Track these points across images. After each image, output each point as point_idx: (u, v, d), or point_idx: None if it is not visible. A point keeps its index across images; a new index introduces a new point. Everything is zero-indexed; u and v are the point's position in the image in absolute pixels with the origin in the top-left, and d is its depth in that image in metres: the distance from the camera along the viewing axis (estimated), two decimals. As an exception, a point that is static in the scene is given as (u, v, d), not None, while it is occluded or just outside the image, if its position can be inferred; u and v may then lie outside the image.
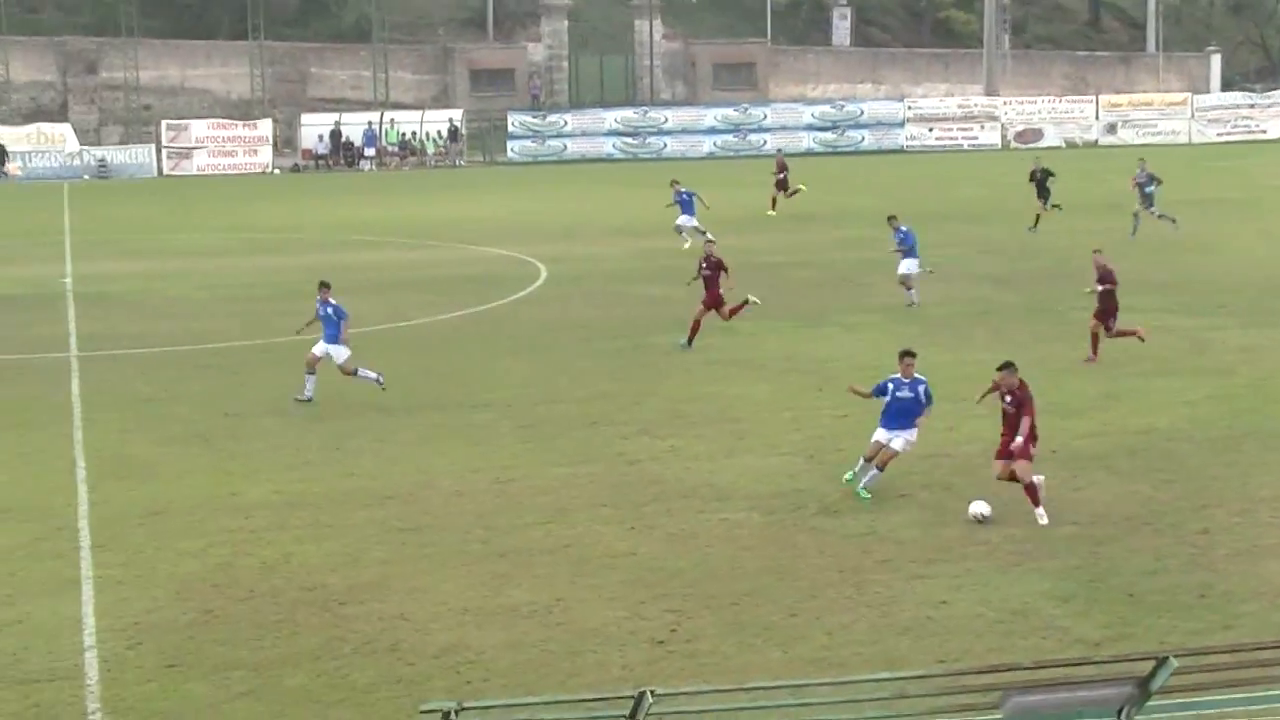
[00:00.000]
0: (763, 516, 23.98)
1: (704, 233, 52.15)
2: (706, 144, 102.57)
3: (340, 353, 32.74)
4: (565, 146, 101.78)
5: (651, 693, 11.77)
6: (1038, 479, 23.96)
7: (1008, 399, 24.64)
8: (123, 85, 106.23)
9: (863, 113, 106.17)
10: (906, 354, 25.66)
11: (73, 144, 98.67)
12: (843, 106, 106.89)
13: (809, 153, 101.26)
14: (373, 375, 32.84)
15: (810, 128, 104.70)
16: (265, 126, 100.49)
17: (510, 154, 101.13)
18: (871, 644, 19.20)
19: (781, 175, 67.22)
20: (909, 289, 43.03)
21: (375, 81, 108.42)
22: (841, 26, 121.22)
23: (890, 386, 25.23)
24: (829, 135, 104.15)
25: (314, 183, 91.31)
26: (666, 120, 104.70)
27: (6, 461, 28.61)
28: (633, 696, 11.82)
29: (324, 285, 33.49)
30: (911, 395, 25.11)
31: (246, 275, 51.80)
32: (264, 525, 24.40)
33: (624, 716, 11.80)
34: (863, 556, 22.35)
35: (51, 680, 18.53)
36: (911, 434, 25.32)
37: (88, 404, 32.98)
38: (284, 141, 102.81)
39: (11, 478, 27.47)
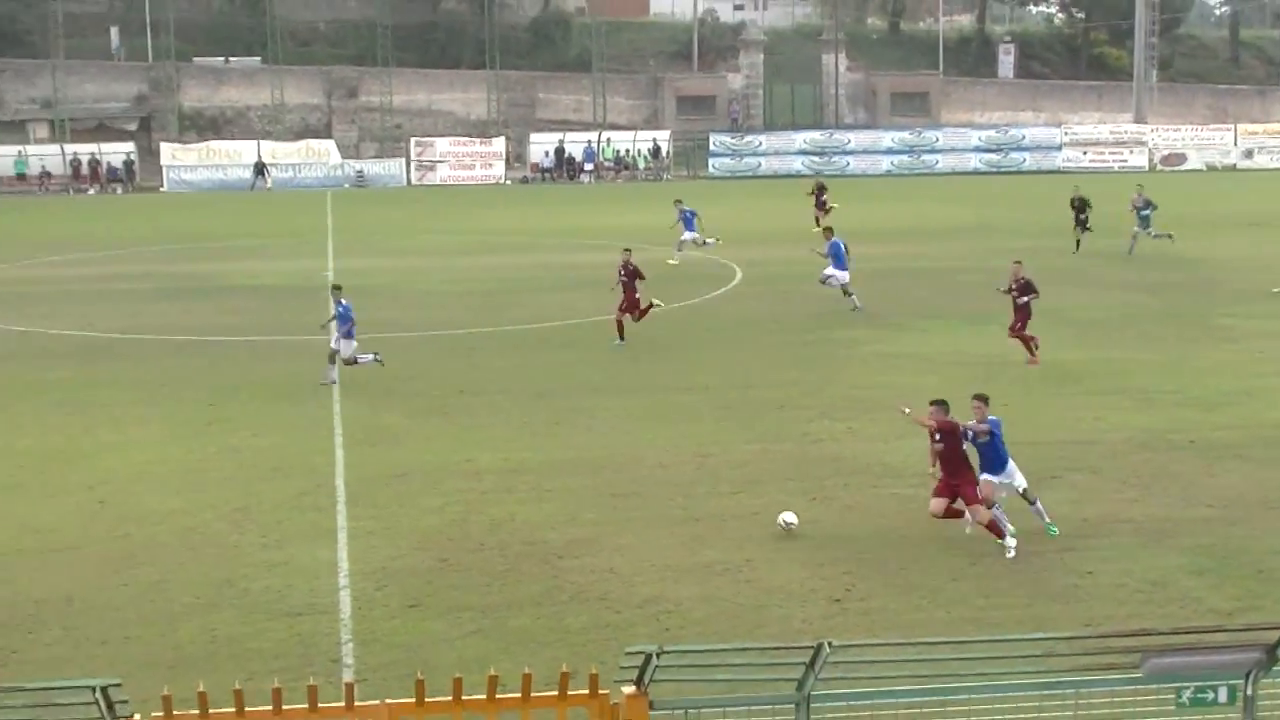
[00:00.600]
0: (929, 492, 23.73)
1: (706, 243, 52.29)
2: (884, 163, 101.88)
3: (348, 346, 33.04)
4: (760, 164, 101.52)
5: (829, 644, 11.70)
6: (996, 511, 21.35)
7: (937, 437, 21.37)
8: (379, 108, 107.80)
9: (1024, 137, 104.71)
10: (976, 398, 21.93)
11: (335, 158, 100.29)
12: (1006, 131, 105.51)
13: (975, 172, 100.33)
14: (368, 356, 33.27)
15: (977, 149, 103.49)
16: (499, 144, 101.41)
17: (711, 169, 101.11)
18: (1024, 608, 18.93)
19: (819, 195, 66.25)
20: (823, 282, 42.80)
21: (595, 106, 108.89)
22: (1006, 61, 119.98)
23: (970, 434, 21.51)
24: (994, 157, 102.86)
25: (540, 193, 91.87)
26: (849, 141, 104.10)
27: (278, 427, 29.14)
28: (812, 647, 11.76)
29: (336, 288, 33.76)
30: (990, 437, 21.72)
31: (482, 272, 52.25)
32: (493, 488, 24.60)
33: (804, 664, 11.75)
34: (1018, 530, 22.05)
35: (311, 614, 18.84)
36: (1012, 474, 21.71)
37: (345, 380, 33.46)
38: (515, 157, 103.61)
39: (281, 441, 27.97)
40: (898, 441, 26.90)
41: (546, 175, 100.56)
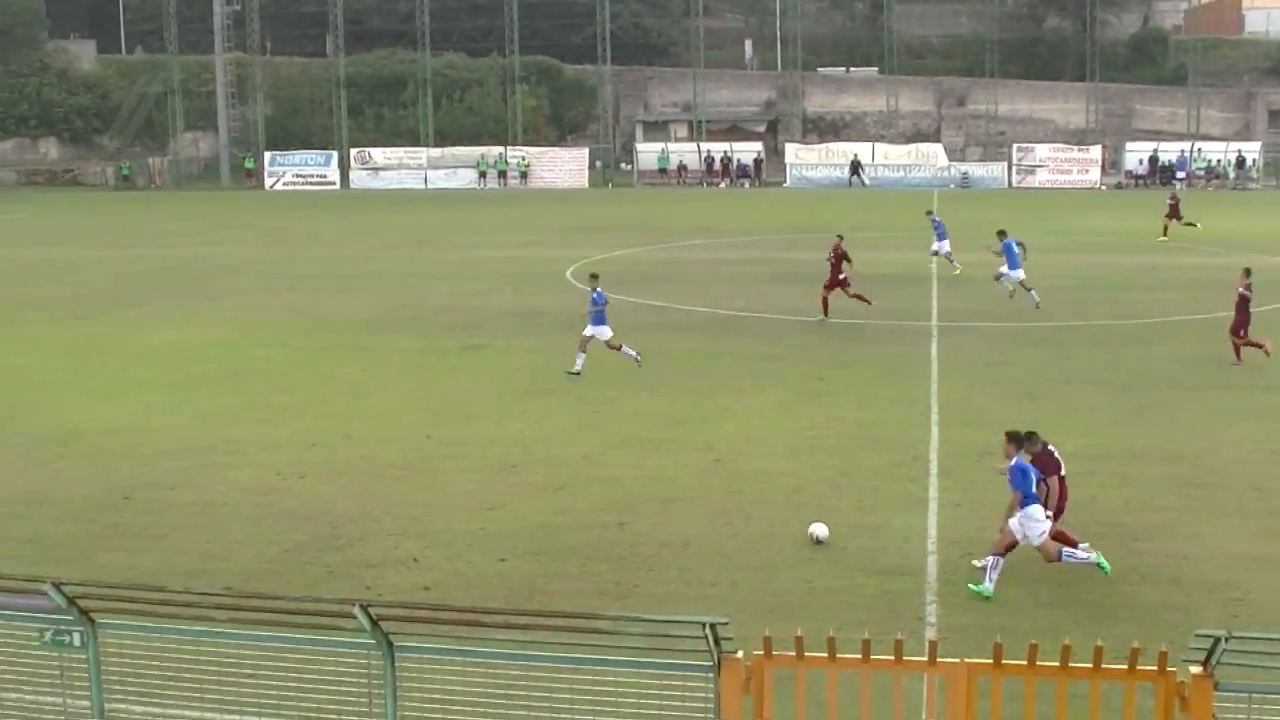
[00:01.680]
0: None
1: (943, 257, 49.25)
2: None
3: (604, 332, 31.87)
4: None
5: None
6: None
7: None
8: (984, 115, 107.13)
9: None
10: (1006, 435, 19.53)
11: (942, 160, 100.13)
12: None
13: None
14: (633, 354, 31.87)
15: None
16: (1095, 151, 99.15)
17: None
18: None
19: (1173, 205, 62.97)
20: (1002, 284, 42.10)
21: (1188, 117, 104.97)
22: None
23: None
24: None
25: (1133, 198, 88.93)
26: None
27: (878, 402, 29.25)
28: None
29: (594, 276, 32.54)
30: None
31: (1075, 270, 50.97)
32: (1076, 470, 23.71)
33: None
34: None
35: (899, 574, 18.81)
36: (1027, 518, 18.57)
37: (943, 363, 33.31)
38: (1110, 164, 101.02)
39: (880, 415, 28.07)
40: None
41: (1139, 182, 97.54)
